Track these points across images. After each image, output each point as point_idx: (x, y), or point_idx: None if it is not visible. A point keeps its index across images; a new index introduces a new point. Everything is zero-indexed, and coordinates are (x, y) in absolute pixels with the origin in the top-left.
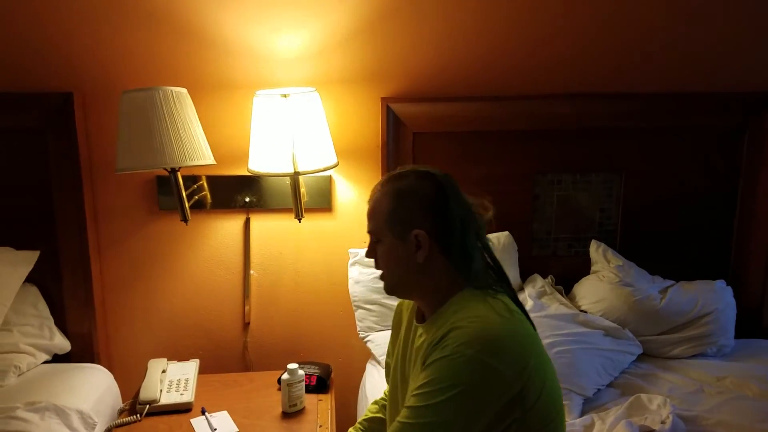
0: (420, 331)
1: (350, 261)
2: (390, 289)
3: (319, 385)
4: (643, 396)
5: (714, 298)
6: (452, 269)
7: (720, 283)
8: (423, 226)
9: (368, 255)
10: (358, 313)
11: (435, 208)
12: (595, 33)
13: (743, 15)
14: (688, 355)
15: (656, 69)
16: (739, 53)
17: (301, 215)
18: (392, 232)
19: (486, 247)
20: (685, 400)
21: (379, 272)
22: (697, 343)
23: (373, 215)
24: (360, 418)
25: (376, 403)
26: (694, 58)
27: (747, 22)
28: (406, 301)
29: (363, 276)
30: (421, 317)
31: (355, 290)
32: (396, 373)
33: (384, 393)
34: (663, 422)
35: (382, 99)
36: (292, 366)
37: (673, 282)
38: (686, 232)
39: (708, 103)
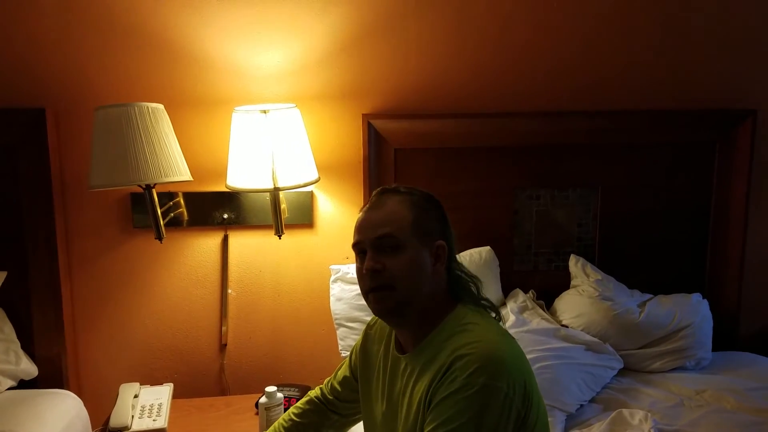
0: (404, 363)
1: (332, 278)
2: (398, 305)
3: None
4: (625, 411)
5: (690, 312)
6: (447, 287)
7: (696, 296)
8: (443, 238)
9: (376, 265)
10: (340, 332)
11: (447, 222)
12: (572, 52)
13: (715, 37)
14: (667, 368)
15: (631, 87)
16: (711, 73)
17: (282, 231)
18: (419, 240)
19: (460, 264)
20: (666, 414)
21: (358, 290)
22: (675, 357)
23: (390, 221)
24: None
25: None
26: (668, 76)
27: (718, 44)
28: (377, 327)
29: (345, 293)
30: (400, 348)
31: (336, 308)
32: (375, 402)
33: (303, 403)
34: None
35: (363, 115)
36: (271, 389)
37: (651, 296)
38: (662, 245)
39: (681, 119)
